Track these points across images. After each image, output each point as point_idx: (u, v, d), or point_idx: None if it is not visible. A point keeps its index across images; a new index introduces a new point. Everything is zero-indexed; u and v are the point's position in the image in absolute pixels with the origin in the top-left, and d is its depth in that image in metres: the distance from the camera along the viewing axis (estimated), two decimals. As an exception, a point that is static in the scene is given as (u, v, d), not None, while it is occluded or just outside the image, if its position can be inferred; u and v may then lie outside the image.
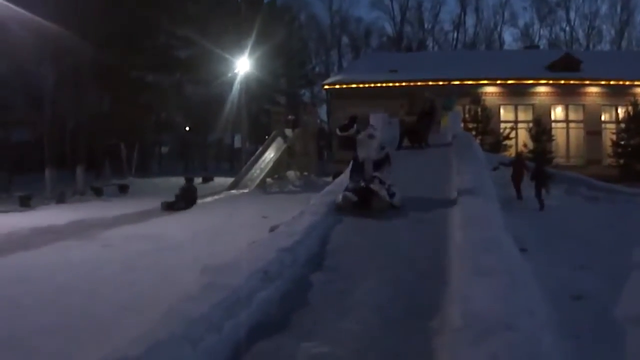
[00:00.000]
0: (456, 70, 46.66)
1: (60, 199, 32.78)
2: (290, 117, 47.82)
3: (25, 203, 29.92)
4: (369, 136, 14.77)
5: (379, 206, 13.95)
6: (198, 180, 45.40)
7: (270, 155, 43.27)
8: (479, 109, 44.20)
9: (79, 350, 7.67)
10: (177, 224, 22.57)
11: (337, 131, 15.42)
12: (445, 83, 44.06)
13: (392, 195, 14.29)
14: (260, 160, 42.87)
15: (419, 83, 43.24)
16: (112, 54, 43.75)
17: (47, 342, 8.49)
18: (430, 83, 43.04)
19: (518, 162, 27.21)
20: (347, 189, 14.47)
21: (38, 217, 23.00)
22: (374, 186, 14.07)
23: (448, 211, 13.52)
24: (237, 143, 65.74)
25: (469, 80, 45.99)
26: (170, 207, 28.14)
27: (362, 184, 14.25)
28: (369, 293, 8.72)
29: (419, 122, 25.04)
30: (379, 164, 14.61)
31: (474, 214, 12.22)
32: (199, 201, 32.22)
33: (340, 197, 14.45)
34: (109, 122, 47.25)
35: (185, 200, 29.39)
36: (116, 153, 53.64)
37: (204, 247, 16.07)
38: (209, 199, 34.21)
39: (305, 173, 42.26)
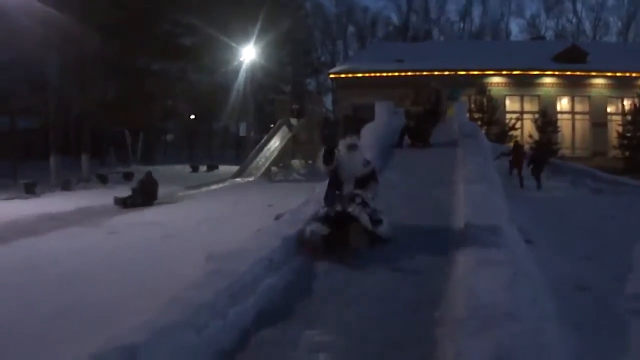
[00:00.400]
0: (462, 60, 46.67)
1: (66, 186, 32.87)
2: (295, 106, 47.77)
3: (31, 190, 30.01)
4: (350, 147, 11.28)
5: (358, 241, 10.20)
6: (203, 168, 45.57)
7: (275, 143, 43.26)
8: (485, 99, 44.14)
9: (83, 336, 7.64)
10: (182, 212, 22.64)
11: (323, 167, 11.45)
12: (451, 73, 44.03)
13: (377, 222, 10.59)
14: (266, 149, 42.89)
15: (424, 73, 43.16)
16: (117, 42, 43.77)
17: (51, 328, 8.55)
18: (436, 73, 42.92)
19: (516, 149, 27.59)
20: (317, 218, 10.83)
21: (43, 204, 23.06)
22: (353, 210, 10.33)
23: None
24: (242, 131, 65.78)
25: (474, 70, 46.03)
26: (124, 203, 25.02)
27: (338, 207, 10.50)
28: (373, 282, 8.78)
29: (424, 121, 24.17)
30: (362, 182, 11.06)
31: (479, 204, 12.20)
32: (204, 189, 32.27)
33: (308, 230, 10.49)
34: (114, 109, 47.31)
35: (142, 195, 25.89)
36: (121, 141, 53.68)
37: (208, 234, 16.07)
38: (213, 186, 34.27)
39: (310, 162, 42.19)
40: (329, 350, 6.76)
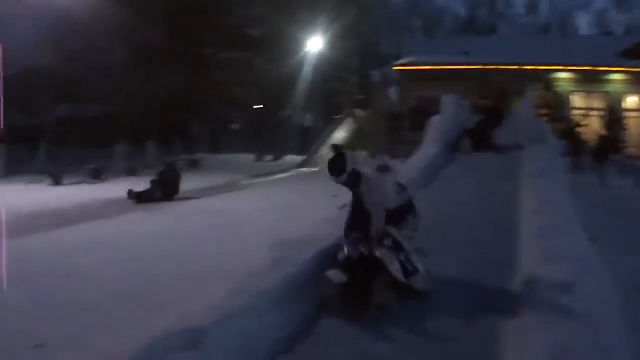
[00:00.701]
0: (528, 55, 46.01)
1: (131, 173, 33.27)
2: (360, 97, 47.76)
3: (97, 176, 30.51)
4: (381, 168, 8.72)
5: (384, 296, 7.80)
6: (268, 157, 45.76)
7: (340, 134, 43.30)
8: (551, 95, 43.56)
9: (147, 317, 7.77)
10: (247, 200, 22.74)
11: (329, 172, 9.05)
12: (518, 68, 43.62)
13: (411, 272, 8.13)
14: (330, 140, 42.95)
15: (490, 67, 42.93)
16: (185, 32, 44.25)
17: (116, 308, 8.74)
18: (502, 67, 42.68)
19: (573, 139, 27.38)
20: (337, 261, 8.37)
21: (109, 189, 23.34)
22: (382, 255, 8.02)
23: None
24: (308, 122, 65.99)
25: (541, 65, 45.35)
26: (139, 197, 21.99)
27: (363, 249, 8.15)
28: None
29: (486, 122, 23.30)
30: (396, 216, 8.53)
31: (545, 200, 12.18)
32: (271, 178, 32.28)
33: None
34: (181, 98, 47.82)
35: (163, 188, 22.87)
36: (187, 129, 54.17)
37: (274, 222, 16.07)
38: (279, 176, 34.42)
39: (375, 153, 42.18)
40: None
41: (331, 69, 56.79)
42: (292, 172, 36.58)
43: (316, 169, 37.33)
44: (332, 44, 51.79)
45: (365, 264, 7.99)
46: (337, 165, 8.82)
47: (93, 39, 42.49)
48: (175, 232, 15.65)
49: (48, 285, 10.13)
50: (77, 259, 12.14)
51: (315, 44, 48.90)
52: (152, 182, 23.00)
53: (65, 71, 43.74)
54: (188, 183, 25.61)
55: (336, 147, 8.40)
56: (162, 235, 15.10)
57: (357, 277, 7.84)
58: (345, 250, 8.29)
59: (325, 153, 40.59)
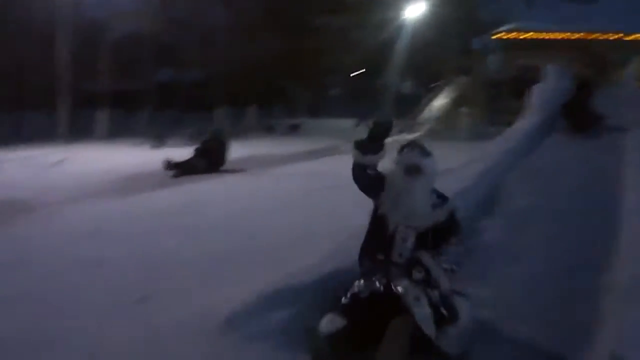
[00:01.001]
0: (632, 24, 44.98)
1: (232, 136, 33.75)
2: (460, 64, 47.46)
3: (196, 138, 30.95)
4: (410, 169, 6.04)
5: (398, 354, 4.96)
6: (367, 123, 45.90)
7: (439, 102, 43.15)
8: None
9: (250, 275, 7.87)
10: (348, 164, 22.92)
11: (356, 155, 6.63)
12: (620, 37, 42.71)
13: (446, 320, 5.33)
14: (430, 107, 42.81)
15: (592, 36, 42.19)
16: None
17: (219, 266, 8.86)
18: (605, 37, 41.89)
19: None
20: (345, 298, 5.66)
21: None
22: (405, 289, 5.36)
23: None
24: (407, 88, 65.84)
25: (647, 35, 44.34)
26: (178, 168, 19.39)
27: (378, 283, 5.60)
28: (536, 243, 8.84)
29: (581, 95, 20.55)
30: (431, 237, 5.87)
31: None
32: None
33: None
34: (281, 63, 48.19)
35: (207, 158, 20.45)
36: (287, 94, 54.59)
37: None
38: (380, 141, 34.62)
39: (475, 121, 41.89)
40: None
41: (430, 36, 56.50)
42: (390, 139, 36.66)
43: (415, 135, 37.42)
44: (431, 10, 51.45)
45: (380, 304, 5.43)
46: (372, 140, 6.56)
47: (194, 4, 43.03)
48: (276, 193, 15.90)
49: (151, 243, 10.39)
50: (182, 218, 12.47)
51: (414, 10, 48.62)
52: (196, 150, 20.76)
53: (167, 36, 44.55)
54: (290, 146, 25.86)
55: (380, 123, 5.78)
56: (264, 196, 15.41)
57: (361, 321, 5.35)
58: (355, 285, 5.72)
59: (426, 120, 40.51)
